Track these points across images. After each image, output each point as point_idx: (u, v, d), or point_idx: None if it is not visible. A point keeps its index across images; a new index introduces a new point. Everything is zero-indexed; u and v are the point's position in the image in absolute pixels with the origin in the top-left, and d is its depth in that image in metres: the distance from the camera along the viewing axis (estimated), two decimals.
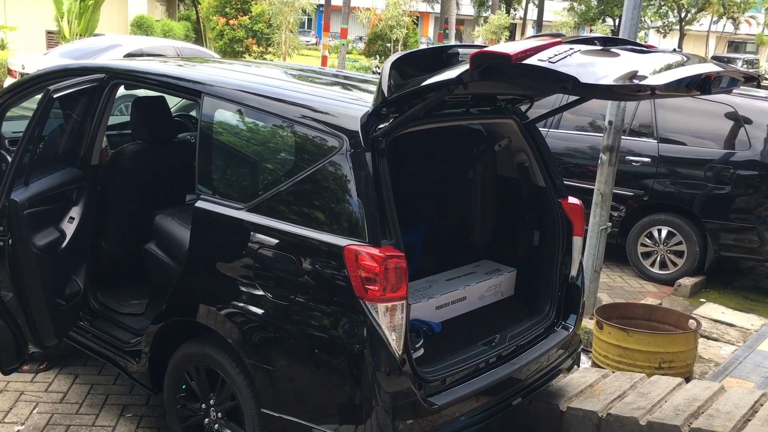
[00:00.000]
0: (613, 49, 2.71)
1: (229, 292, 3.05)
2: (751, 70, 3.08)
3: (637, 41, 3.37)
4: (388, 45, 27.10)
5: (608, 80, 2.35)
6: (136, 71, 3.81)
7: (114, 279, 4.05)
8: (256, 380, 2.97)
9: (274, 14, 21.52)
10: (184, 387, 3.35)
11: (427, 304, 3.46)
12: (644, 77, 2.40)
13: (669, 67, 2.58)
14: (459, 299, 3.60)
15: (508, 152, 3.76)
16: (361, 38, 39.70)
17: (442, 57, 3.00)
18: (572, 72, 2.33)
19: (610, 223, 5.40)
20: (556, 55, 2.39)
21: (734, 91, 6.70)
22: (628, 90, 2.44)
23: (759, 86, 3.20)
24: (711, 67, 2.76)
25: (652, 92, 2.46)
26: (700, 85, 2.70)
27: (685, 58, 2.80)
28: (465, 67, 2.49)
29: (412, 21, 30.85)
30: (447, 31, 36.52)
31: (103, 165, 3.92)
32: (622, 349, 4.34)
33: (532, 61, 2.36)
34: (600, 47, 2.72)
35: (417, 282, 3.61)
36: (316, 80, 3.75)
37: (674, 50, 2.91)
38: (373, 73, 19.74)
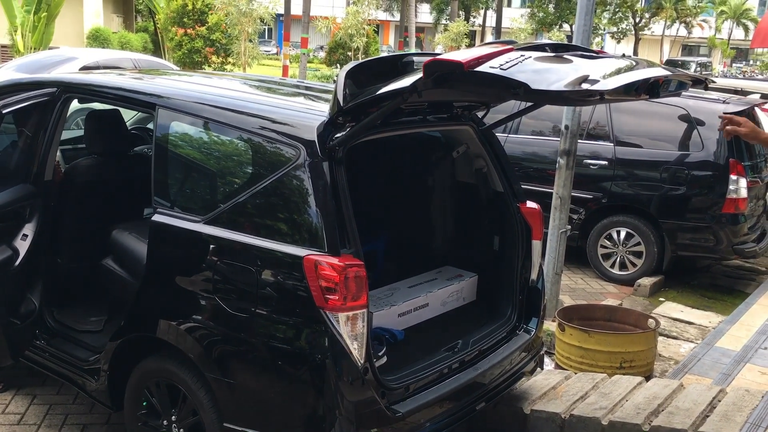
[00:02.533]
0: (565, 56, 2.75)
1: (189, 307, 3.01)
2: (698, 74, 3.15)
3: (588, 47, 3.43)
4: (349, 54, 27.15)
5: (558, 86, 2.39)
6: (88, 84, 3.75)
7: (71, 296, 3.97)
8: (217, 394, 2.94)
9: (231, 24, 21.40)
10: (145, 404, 3.30)
11: (390, 311, 3.46)
12: (594, 82, 2.44)
13: (618, 72, 2.63)
14: (421, 306, 3.61)
15: (466, 158, 3.79)
16: (322, 47, 39.72)
17: (397, 65, 3.01)
18: (523, 78, 2.37)
19: (569, 226, 5.48)
20: (507, 62, 2.43)
21: (687, 93, 6.86)
22: (579, 95, 2.48)
23: (707, 89, 3.28)
24: (659, 71, 2.82)
25: (602, 97, 2.51)
26: (649, 89, 2.75)
27: (634, 63, 2.86)
28: (419, 75, 2.51)
29: (373, 29, 30.98)
30: (407, 39, 36.74)
31: (57, 180, 3.85)
32: (584, 350, 4.39)
33: (484, 68, 2.39)
34: (551, 54, 2.76)
35: (379, 290, 3.61)
36: (272, 90, 3.73)
37: (623, 55, 2.97)
38: (334, 82, 19.74)
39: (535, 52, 2.65)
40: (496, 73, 2.37)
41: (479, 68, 2.39)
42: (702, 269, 7.49)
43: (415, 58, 3.08)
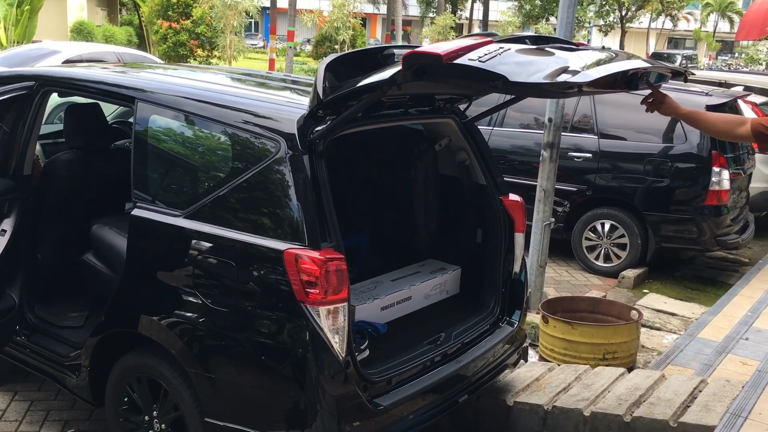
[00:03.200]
0: (545, 48, 2.75)
1: (170, 302, 3.00)
2: (678, 66, 3.16)
3: (569, 40, 3.42)
4: (336, 47, 27.06)
5: (537, 78, 2.38)
6: (67, 78, 3.72)
7: (52, 292, 3.94)
8: (199, 389, 2.93)
9: (216, 17, 21.26)
10: (126, 399, 3.28)
11: (372, 305, 3.45)
12: (573, 74, 2.44)
13: (598, 63, 2.63)
14: (404, 299, 3.61)
15: (448, 151, 3.78)
16: (308, 41, 39.55)
17: (378, 58, 3.00)
18: (502, 71, 2.36)
19: (553, 219, 5.49)
20: (486, 54, 2.42)
21: (670, 86, 6.88)
22: (557, 87, 2.48)
23: (686, 81, 3.28)
24: (638, 63, 2.83)
25: (580, 89, 2.51)
26: (628, 81, 2.76)
27: (614, 55, 2.86)
28: (398, 67, 2.50)
29: (359, 23, 30.89)
30: (394, 32, 36.63)
31: (36, 175, 3.81)
32: (568, 342, 4.41)
33: (462, 60, 2.38)
34: (532, 46, 2.75)
35: (362, 283, 3.60)
36: (253, 83, 3.71)
37: (603, 47, 2.97)
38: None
39: (515, 44, 2.65)
40: (475, 65, 2.37)
41: (458, 60, 2.38)
42: (685, 261, 7.54)
43: (395, 51, 3.07)
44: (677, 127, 6.49)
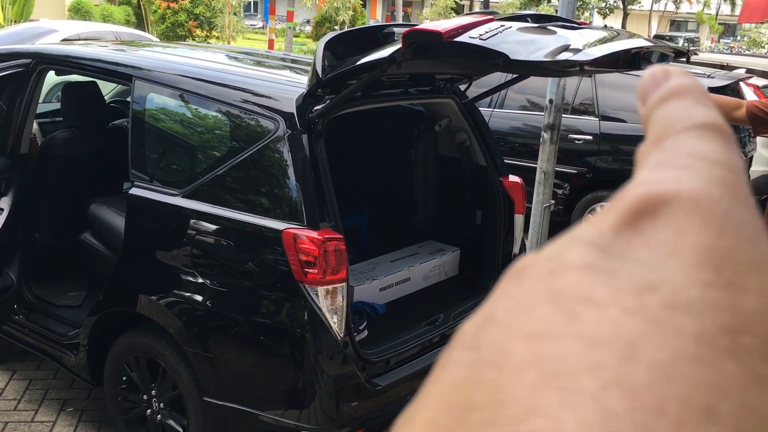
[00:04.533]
0: (547, 26, 2.72)
1: (168, 281, 2.99)
2: (685, 47, 3.16)
3: (571, 18, 3.39)
4: (336, 27, 26.88)
5: (538, 56, 2.36)
6: (64, 55, 3.68)
7: (50, 271, 3.93)
8: (197, 369, 2.93)
9: None
10: (124, 379, 3.28)
11: (371, 285, 3.45)
12: (575, 52, 2.41)
13: (599, 42, 2.60)
14: (403, 280, 3.60)
15: (448, 132, 3.76)
16: (308, 21, 39.30)
17: (377, 36, 2.97)
18: (503, 49, 2.33)
19: (552, 201, 5.47)
20: (487, 33, 2.39)
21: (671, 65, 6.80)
22: (559, 65, 2.45)
23: (689, 61, 3.26)
24: (640, 42, 2.80)
25: (582, 68, 2.48)
26: (630, 60, 2.73)
27: (616, 34, 2.83)
28: (398, 45, 2.47)
29: (359, 3, 30.66)
30: (394, 13, 36.37)
31: (33, 153, 3.79)
32: None
33: (463, 38, 2.35)
34: (533, 24, 2.72)
35: (361, 264, 3.59)
36: (252, 62, 3.68)
37: (605, 26, 2.94)
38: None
39: (516, 22, 2.62)
40: (476, 43, 2.34)
41: (458, 38, 2.35)
42: None
43: (395, 29, 3.03)
44: None
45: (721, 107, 3.11)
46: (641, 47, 2.74)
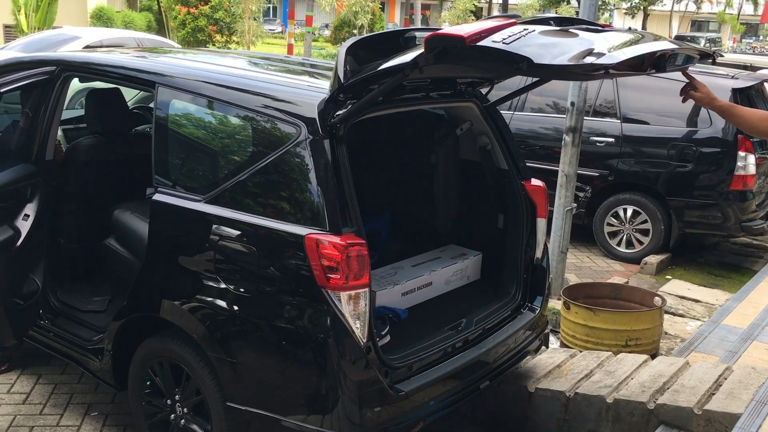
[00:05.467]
0: (570, 29, 2.70)
1: (191, 286, 3.00)
2: (708, 48, 3.10)
3: (594, 21, 3.36)
4: (355, 31, 26.94)
5: (562, 60, 2.33)
6: (88, 63, 3.71)
7: (74, 276, 3.97)
8: (220, 374, 2.93)
9: (234, 2, 21.22)
10: (148, 383, 3.30)
11: (393, 290, 3.44)
12: (599, 56, 2.39)
13: (624, 45, 2.57)
14: (425, 285, 3.59)
15: (469, 136, 3.74)
16: (327, 25, 39.43)
17: (399, 41, 2.97)
18: (526, 53, 2.32)
19: (575, 204, 5.44)
20: (510, 36, 2.37)
21: (696, 69, 6.75)
22: (583, 69, 2.43)
23: (714, 63, 3.22)
24: (666, 45, 2.76)
25: (607, 71, 2.46)
26: (655, 63, 2.70)
27: (641, 36, 2.80)
28: (420, 50, 2.47)
29: (378, 6, 30.70)
30: (413, 16, 36.37)
31: (58, 160, 3.83)
32: (589, 329, 4.37)
33: (486, 42, 2.34)
34: (556, 27, 2.70)
35: (382, 269, 3.59)
36: (273, 68, 3.69)
37: (629, 29, 2.90)
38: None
39: (539, 26, 2.60)
40: (499, 47, 2.32)
41: (481, 42, 2.34)
42: (709, 247, 7.44)
43: (416, 34, 3.03)
44: (702, 111, 6.38)
45: (761, 121, 3.05)
46: (666, 50, 2.71)
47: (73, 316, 3.69)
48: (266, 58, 4.10)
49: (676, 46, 2.83)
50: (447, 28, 2.47)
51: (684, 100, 3.06)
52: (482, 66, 2.82)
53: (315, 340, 2.72)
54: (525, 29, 2.47)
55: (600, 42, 2.50)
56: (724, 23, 53.30)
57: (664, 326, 4.76)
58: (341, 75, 2.63)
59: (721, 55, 3.29)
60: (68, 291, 3.84)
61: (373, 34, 2.96)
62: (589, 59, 2.36)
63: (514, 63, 2.36)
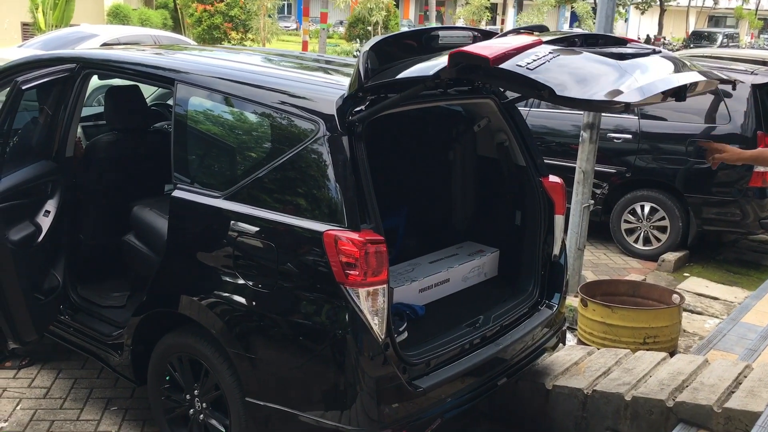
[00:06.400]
0: (592, 57, 2.66)
1: (210, 282, 3.02)
2: (725, 76, 3.15)
3: (617, 36, 3.36)
4: (369, 28, 26.92)
5: (584, 94, 2.36)
6: (107, 60, 3.74)
7: (94, 272, 4.00)
8: (239, 369, 2.95)
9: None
10: (168, 378, 3.32)
11: (410, 287, 3.44)
12: (617, 93, 2.41)
13: (647, 76, 2.57)
14: (442, 281, 3.59)
15: (487, 132, 3.73)
16: (341, 22, 39.42)
17: (422, 40, 2.98)
18: (549, 81, 2.35)
19: (592, 201, 5.41)
20: (535, 61, 2.40)
21: (715, 65, 6.70)
22: (605, 104, 2.46)
23: (734, 88, 3.31)
24: (689, 77, 2.78)
25: (627, 106, 2.46)
26: (676, 92, 2.71)
27: (665, 64, 2.80)
28: (443, 62, 2.48)
29: (393, 3, 30.65)
30: (427, 12, 36.32)
31: (78, 156, 3.86)
32: (607, 326, 4.35)
33: (510, 66, 2.38)
34: (581, 51, 2.67)
35: (400, 265, 3.59)
36: (292, 64, 3.70)
37: (654, 50, 2.90)
38: (354, 56, 19.60)
39: (564, 47, 2.61)
40: (522, 72, 2.35)
41: (505, 65, 2.37)
42: (728, 244, 7.38)
43: (440, 33, 3.05)
44: (720, 106, 6.33)
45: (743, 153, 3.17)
46: (689, 82, 2.73)
47: (93, 311, 3.72)
48: (282, 55, 4.11)
49: (703, 78, 2.84)
50: (473, 46, 2.47)
51: (714, 166, 3.15)
52: (504, 85, 2.83)
53: (333, 336, 2.73)
54: (550, 52, 2.49)
55: (623, 75, 2.50)
56: (742, 18, 52.71)
57: (682, 324, 4.73)
58: (362, 74, 2.65)
59: (742, 81, 3.28)
60: (88, 287, 3.87)
61: (397, 33, 2.99)
62: (610, 94, 2.37)
63: (536, 89, 2.39)
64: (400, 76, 2.63)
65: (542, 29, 3.04)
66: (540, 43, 2.54)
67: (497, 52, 2.37)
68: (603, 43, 2.95)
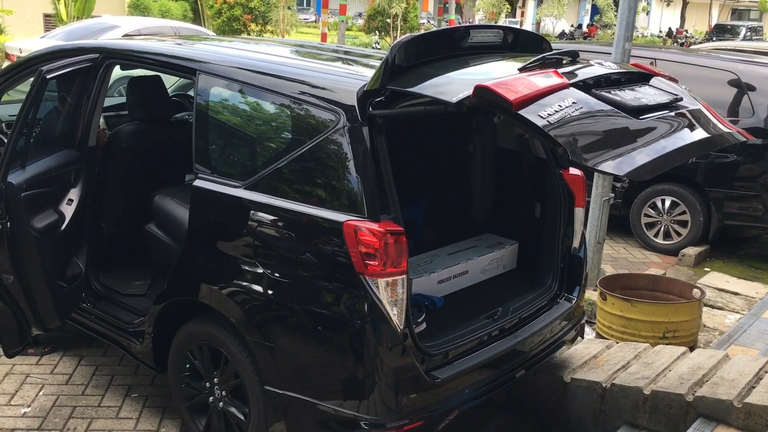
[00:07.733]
0: (611, 115, 2.64)
1: (230, 271, 3.04)
2: (739, 134, 3.15)
3: (641, 67, 3.34)
4: (388, 21, 26.84)
5: (595, 162, 2.39)
6: (130, 50, 3.77)
7: (116, 260, 4.05)
8: (258, 358, 2.97)
9: None
10: (188, 366, 3.36)
11: (429, 278, 3.44)
12: (634, 161, 2.46)
13: (654, 148, 2.59)
14: (461, 273, 3.59)
15: (507, 124, 3.72)
16: (360, 14, 39.34)
17: (451, 40, 2.99)
18: (565, 141, 2.40)
19: (612, 194, 5.38)
20: (557, 111, 2.43)
21: (738, 57, 6.62)
22: (610, 175, 2.54)
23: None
24: (698, 135, 2.84)
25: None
26: None
27: (690, 119, 2.87)
28: (467, 92, 2.49)
29: None
30: (447, 5, 36.15)
31: (100, 146, 3.90)
32: (626, 320, 4.33)
33: (531, 114, 2.40)
34: (601, 108, 2.65)
35: (419, 257, 3.59)
36: (313, 55, 3.70)
37: (675, 98, 2.93)
38: (373, 48, 19.55)
39: (590, 99, 2.62)
40: (541, 125, 2.38)
41: (527, 113, 2.40)
42: (749, 239, 7.31)
43: (472, 32, 3.06)
44: (744, 100, 6.25)
45: None
46: (700, 139, 2.75)
47: (115, 299, 3.76)
48: (303, 46, 4.12)
49: (726, 131, 2.87)
50: (499, 84, 2.47)
51: None
52: (523, 129, 2.89)
53: (352, 326, 2.74)
54: (574, 103, 2.52)
55: (634, 141, 2.56)
56: (766, 11, 51.94)
57: (703, 319, 4.69)
58: (387, 73, 2.67)
59: (747, 140, 3.30)
60: (110, 275, 3.91)
61: (426, 33, 3.04)
62: (617, 169, 2.43)
63: (552, 143, 2.46)
64: (425, 92, 2.65)
65: (573, 55, 3.06)
66: (566, 86, 2.59)
67: (521, 96, 2.41)
68: (626, 81, 2.98)
